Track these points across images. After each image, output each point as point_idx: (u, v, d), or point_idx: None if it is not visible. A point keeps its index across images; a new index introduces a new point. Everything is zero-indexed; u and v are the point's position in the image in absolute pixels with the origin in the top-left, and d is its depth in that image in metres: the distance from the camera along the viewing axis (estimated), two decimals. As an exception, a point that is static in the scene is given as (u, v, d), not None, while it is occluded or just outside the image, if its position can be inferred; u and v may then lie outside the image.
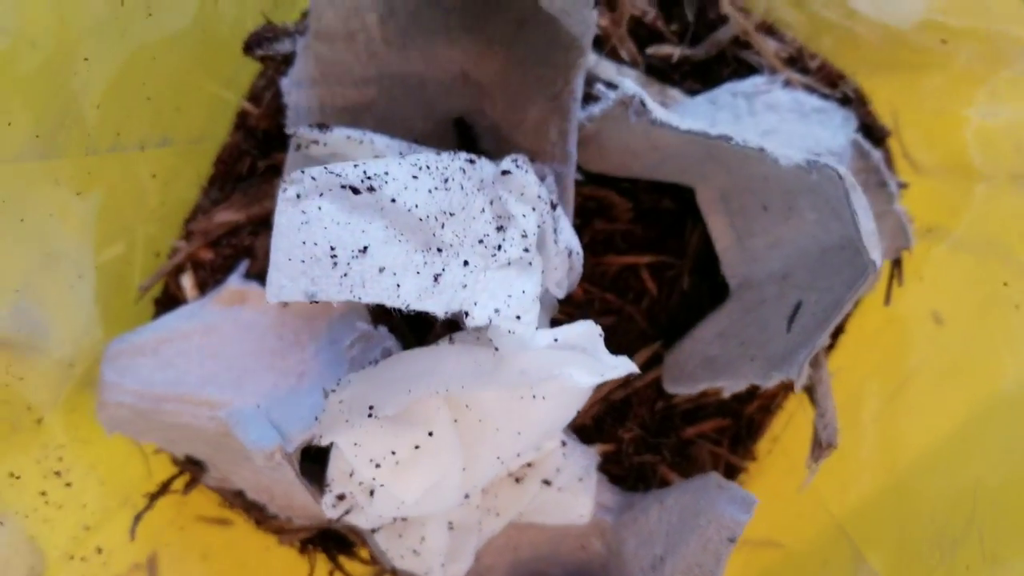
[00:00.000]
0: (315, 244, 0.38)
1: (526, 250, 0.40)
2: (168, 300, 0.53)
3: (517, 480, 0.51)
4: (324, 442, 0.43)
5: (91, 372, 0.50)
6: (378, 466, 0.43)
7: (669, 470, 0.54)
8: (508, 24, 0.46)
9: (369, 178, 0.38)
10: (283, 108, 0.47)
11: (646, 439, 0.54)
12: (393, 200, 0.38)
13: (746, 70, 0.50)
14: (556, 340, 0.40)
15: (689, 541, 0.47)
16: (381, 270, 0.37)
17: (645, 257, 0.51)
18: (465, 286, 0.38)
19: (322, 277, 0.37)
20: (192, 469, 0.55)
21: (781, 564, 0.56)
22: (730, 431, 0.54)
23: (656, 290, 0.52)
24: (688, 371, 0.49)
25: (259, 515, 0.57)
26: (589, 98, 0.45)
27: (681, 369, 0.50)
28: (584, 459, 0.50)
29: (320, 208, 0.38)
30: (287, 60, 0.47)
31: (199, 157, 0.52)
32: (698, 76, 0.50)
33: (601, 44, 0.50)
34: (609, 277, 0.52)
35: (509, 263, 0.40)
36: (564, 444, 0.50)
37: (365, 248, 0.37)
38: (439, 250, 0.39)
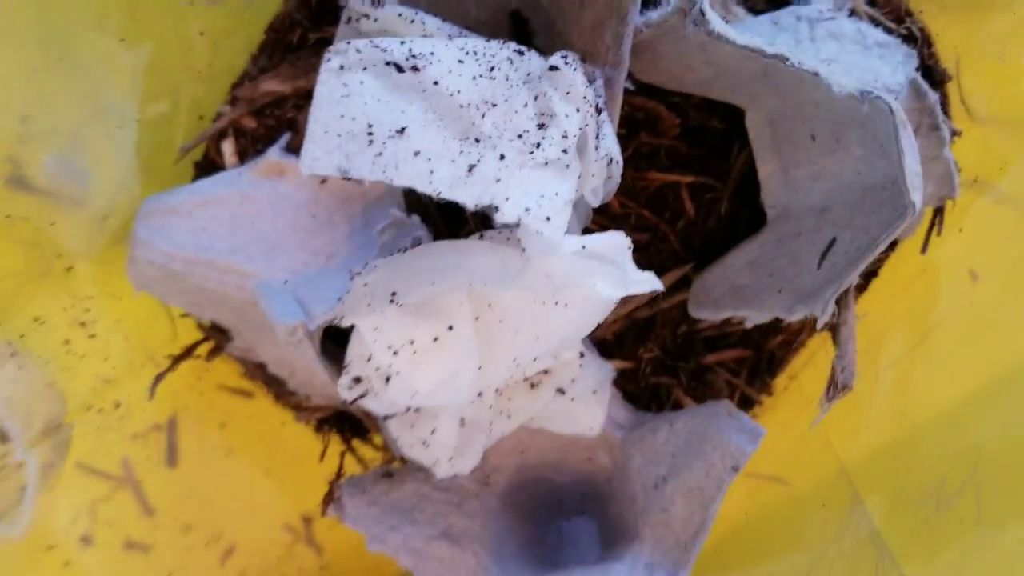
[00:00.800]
0: (353, 119, 0.37)
1: (565, 151, 0.39)
2: (207, 164, 0.54)
3: (532, 385, 0.51)
4: (345, 323, 0.43)
5: (125, 228, 0.50)
6: (396, 353, 0.44)
7: (684, 394, 0.54)
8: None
9: (414, 56, 0.37)
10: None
11: (665, 361, 0.54)
12: (436, 83, 0.37)
13: (815, -8, 0.48)
14: (584, 247, 0.40)
15: (693, 465, 0.48)
16: (416, 154, 0.37)
17: (687, 177, 0.50)
18: (499, 180, 0.38)
19: (357, 154, 0.37)
20: (217, 336, 0.56)
21: (782, 500, 0.56)
22: (749, 363, 0.54)
23: (693, 212, 0.51)
24: (714, 297, 0.49)
25: (279, 390, 0.58)
26: (649, 2, 0.43)
27: (708, 294, 0.49)
28: (600, 372, 0.51)
29: (362, 83, 0.38)
30: (346, -67, 0.46)
31: (250, 22, 0.52)
32: (763, -7, 0.49)
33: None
34: (648, 193, 0.51)
35: (546, 163, 0.39)
36: (582, 355, 0.50)
37: (403, 129, 0.37)
38: (476, 140, 0.38)
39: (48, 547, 0.53)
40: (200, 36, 0.48)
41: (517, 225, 0.39)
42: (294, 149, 0.52)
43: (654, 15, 0.43)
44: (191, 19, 0.47)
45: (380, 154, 0.37)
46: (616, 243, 0.40)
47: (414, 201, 0.51)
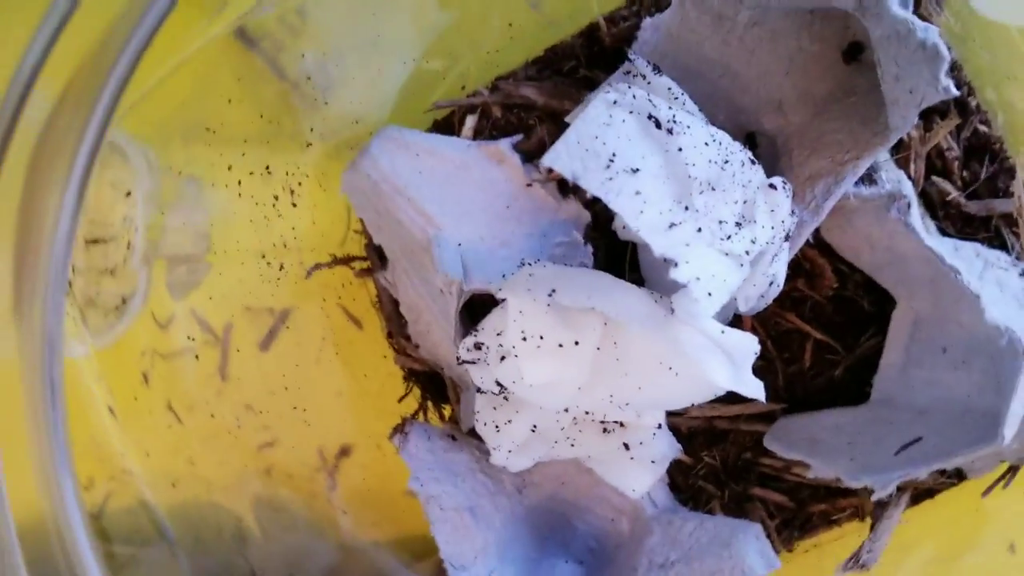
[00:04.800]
0: (603, 144, 0.45)
1: (747, 252, 0.46)
2: (445, 126, 0.62)
3: (605, 430, 0.56)
4: (500, 295, 0.50)
5: (364, 139, 0.59)
6: (524, 340, 0.50)
7: (720, 509, 0.59)
8: (841, 77, 0.52)
9: (674, 122, 0.45)
10: (632, 39, 0.54)
11: (719, 473, 0.59)
12: (680, 149, 0.44)
13: (998, 241, 0.54)
14: (722, 332, 0.46)
15: (705, 562, 0.52)
16: (637, 193, 0.44)
17: (818, 333, 0.56)
18: (687, 245, 0.44)
19: (592, 171, 0.44)
20: (375, 260, 0.64)
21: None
22: (788, 513, 0.59)
23: (808, 364, 0.57)
24: (792, 438, 0.54)
25: (396, 328, 0.65)
26: (864, 179, 0.50)
27: (787, 433, 0.54)
28: (666, 448, 0.56)
29: (624, 121, 0.45)
30: (657, 4, 0.54)
31: (540, 38, 0.60)
32: (956, 221, 0.55)
33: (896, 147, 0.55)
34: (779, 330, 0.57)
35: (727, 254, 0.46)
36: (659, 426, 0.55)
37: (636, 170, 0.44)
38: (686, 208, 0.45)
39: (109, 371, 0.58)
40: (505, 26, 0.57)
41: (680, 286, 0.45)
42: (520, 150, 0.60)
43: (865, 191, 0.50)
44: (504, 9, 0.56)
45: (611, 179, 0.44)
46: (747, 344, 0.46)
47: (590, 236, 0.58)
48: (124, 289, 0.59)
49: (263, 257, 0.59)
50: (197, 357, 0.63)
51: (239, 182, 0.54)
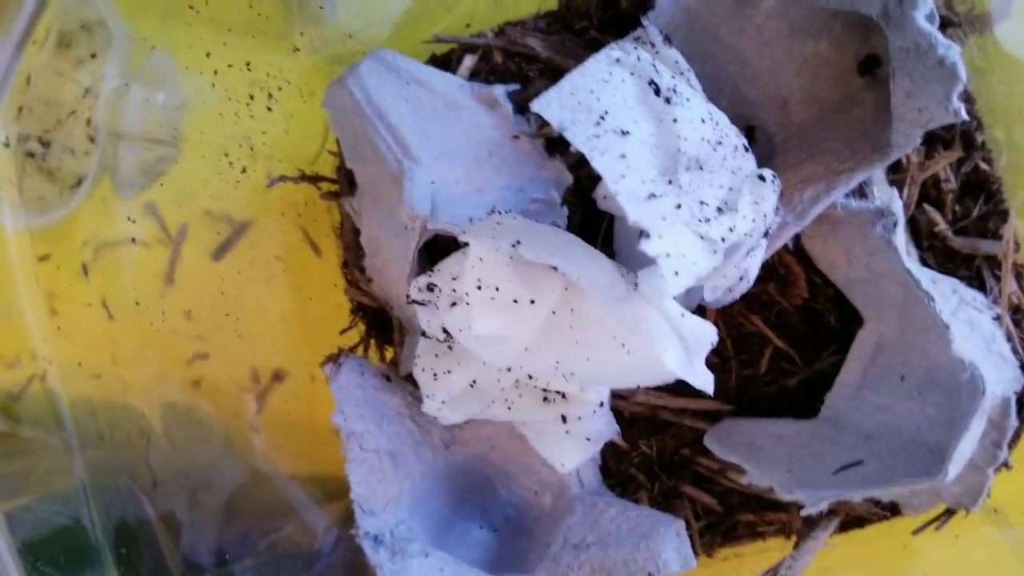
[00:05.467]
0: (597, 100, 0.43)
1: (722, 239, 0.44)
2: (442, 62, 0.59)
3: (545, 398, 0.55)
4: (463, 238, 0.48)
5: (355, 56, 0.56)
6: (479, 288, 0.48)
7: (647, 500, 0.58)
8: (851, 87, 0.50)
9: (674, 92, 0.43)
10: (650, 6, 0.52)
11: (653, 464, 0.58)
12: (675, 120, 0.42)
13: (978, 282, 0.53)
14: (683, 316, 0.44)
15: (621, 550, 0.51)
16: (622, 156, 0.42)
17: (780, 341, 0.55)
18: (664, 219, 0.43)
19: (580, 124, 0.42)
20: (344, 185, 0.61)
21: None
22: (715, 518, 0.57)
23: (764, 370, 0.55)
24: (733, 441, 0.52)
25: (353, 258, 0.63)
26: (854, 192, 0.48)
27: (728, 436, 0.53)
28: (604, 428, 0.54)
29: (623, 81, 0.43)
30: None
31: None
32: (939, 254, 0.53)
33: (893, 168, 0.53)
34: (742, 331, 0.55)
35: (703, 237, 0.44)
36: (601, 404, 0.54)
37: (626, 133, 0.42)
38: (669, 181, 0.43)
39: (54, 252, 0.56)
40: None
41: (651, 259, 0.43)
42: (514, 99, 0.58)
43: (854, 203, 0.48)
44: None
45: (598, 137, 0.42)
46: (704, 332, 0.44)
47: (570, 202, 0.56)
48: (82, 168, 0.57)
49: (226, 155, 0.57)
50: (144, 254, 0.61)
51: (215, 71, 0.52)
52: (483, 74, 0.59)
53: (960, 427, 0.41)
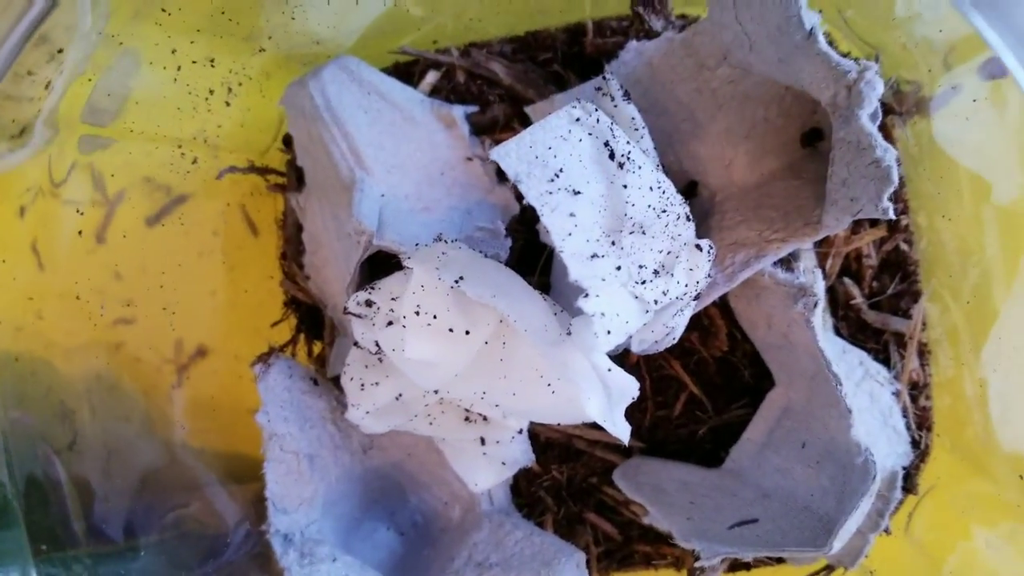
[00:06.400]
0: (554, 156, 0.44)
1: (656, 302, 0.46)
2: (403, 73, 0.60)
3: (467, 419, 0.56)
4: (407, 263, 0.49)
5: (319, 59, 0.56)
6: (417, 314, 0.49)
7: (550, 525, 0.60)
8: (794, 158, 0.53)
9: (627, 158, 0.44)
10: (613, 56, 0.53)
11: (561, 489, 0.60)
12: (625, 186, 0.44)
13: (883, 356, 0.56)
14: (609, 370, 0.46)
15: (522, 574, 0.53)
16: (571, 215, 0.44)
17: (695, 388, 0.58)
18: (603, 280, 0.44)
19: (535, 178, 0.44)
20: (293, 181, 0.62)
21: None
22: (613, 546, 0.60)
23: (677, 413, 0.58)
24: (639, 481, 0.55)
25: (292, 252, 0.63)
26: (782, 262, 0.51)
27: (635, 475, 0.56)
28: (520, 455, 0.56)
29: (580, 140, 0.44)
30: (648, 32, 0.54)
31: (523, 17, 0.58)
32: (852, 325, 0.57)
33: (821, 241, 0.56)
34: (660, 374, 0.58)
35: (637, 297, 0.46)
36: (520, 432, 0.56)
37: (578, 192, 0.44)
38: (613, 243, 0.45)
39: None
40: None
41: (585, 317, 0.45)
42: (472, 121, 0.59)
43: (781, 274, 0.51)
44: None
45: (551, 193, 0.43)
46: (628, 387, 0.46)
47: (513, 229, 0.58)
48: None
49: (179, 147, 0.56)
50: (80, 212, 0.60)
51: (178, 67, 0.51)
52: (444, 92, 0.60)
53: (849, 506, 0.44)
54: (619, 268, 0.45)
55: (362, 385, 0.55)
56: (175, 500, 0.65)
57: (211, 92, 0.54)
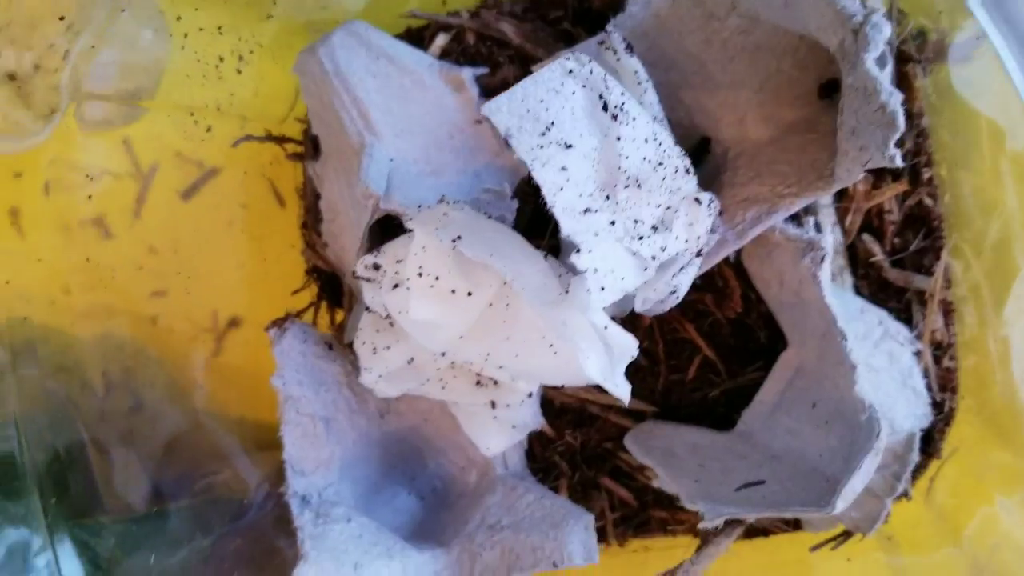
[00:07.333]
0: (545, 110, 0.43)
1: (653, 258, 0.45)
2: (413, 37, 0.60)
3: (478, 382, 0.56)
4: (408, 224, 0.49)
5: (329, 26, 0.56)
6: (420, 275, 0.49)
7: (565, 489, 0.60)
8: (809, 110, 0.51)
9: (621, 109, 0.43)
10: (620, 7, 0.52)
11: (576, 454, 0.60)
12: (619, 138, 0.43)
13: (905, 316, 0.54)
14: (606, 328, 0.45)
15: (531, 537, 0.53)
16: (563, 169, 0.43)
17: (709, 351, 0.56)
18: (596, 235, 0.44)
19: (526, 132, 0.43)
20: (309, 149, 0.62)
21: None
22: (629, 511, 0.60)
23: (691, 377, 0.57)
24: (649, 444, 0.54)
25: (311, 221, 0.64)
26: (792, 218, 0.50)
27: (646, 439, 0.55)
28: (530, 418, 0.56)
29: (574, 93, 0.44)
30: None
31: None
32: (873, 284, 0.55)
33: (840, 194, 0.54)
34: (673, 336, 0.57)
35: (635, 253, 0.45)
36: (530, 395, 0.56)
37: (569, 146, 0.43)
38: (607, 197, 0.44)
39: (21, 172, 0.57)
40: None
41: (578, 273, 0.44)
42: (481, 83, 0.58)
43: (791, 229, 0.49)
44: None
45: (542, 147, 0.43)
46: (627, 345, 0.46)
47: (522, 192, 0.57)
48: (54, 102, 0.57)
49: (191, 115, 0.57)
50: (115, 186, 0.62)
51: (185, 35, 0.52)
52: (454, 54, 0.59)
53: (853, 465, 0.42)
54: (613, 223, 0.44)
55: (374, 349, 0.55)
56: (207, 467, 0.67)
57: (221, 60, 0.55)
